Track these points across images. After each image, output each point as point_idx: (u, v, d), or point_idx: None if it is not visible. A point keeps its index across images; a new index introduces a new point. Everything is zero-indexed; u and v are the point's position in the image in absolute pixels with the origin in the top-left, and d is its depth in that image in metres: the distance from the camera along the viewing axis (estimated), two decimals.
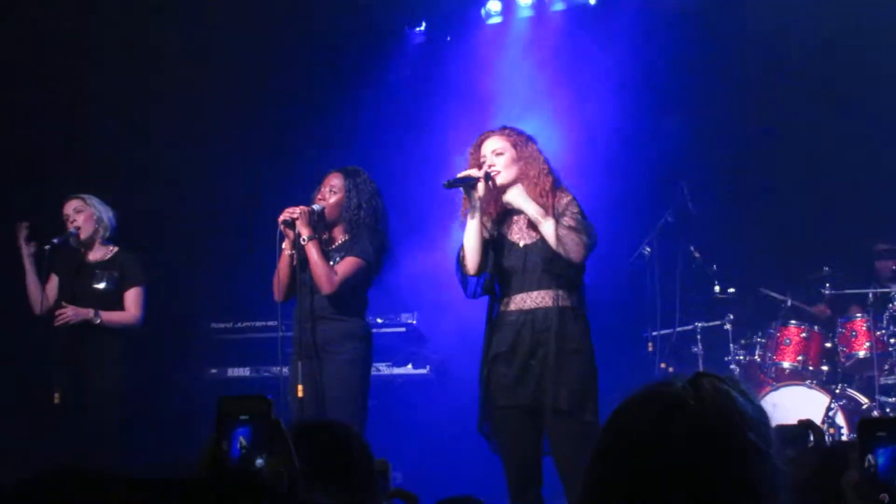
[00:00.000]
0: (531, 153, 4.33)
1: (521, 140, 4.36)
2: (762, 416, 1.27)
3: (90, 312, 5.44)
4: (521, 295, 4.26)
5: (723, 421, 1.21)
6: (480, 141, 4.39)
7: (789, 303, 6.74)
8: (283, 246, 4.87)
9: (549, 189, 4.30)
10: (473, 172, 4.28)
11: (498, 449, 4.29)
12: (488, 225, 4.40)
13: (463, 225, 4.36)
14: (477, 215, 4.29)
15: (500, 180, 4.31)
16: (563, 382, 4.10)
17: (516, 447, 4.19)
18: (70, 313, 5.41)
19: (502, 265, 4.34)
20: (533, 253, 4.27)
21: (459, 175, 4.30)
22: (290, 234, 4.83)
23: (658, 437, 1.19)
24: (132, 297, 5.58)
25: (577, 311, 4.25)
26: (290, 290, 4.96)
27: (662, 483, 1.17)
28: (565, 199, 4.30)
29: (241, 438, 1.30)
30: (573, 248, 4.16)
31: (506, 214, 4.41)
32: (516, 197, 4.29)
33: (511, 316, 4.27)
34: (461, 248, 4.37)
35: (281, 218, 4.81)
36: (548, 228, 4.20)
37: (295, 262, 4.84)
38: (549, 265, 4.23)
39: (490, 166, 4.28)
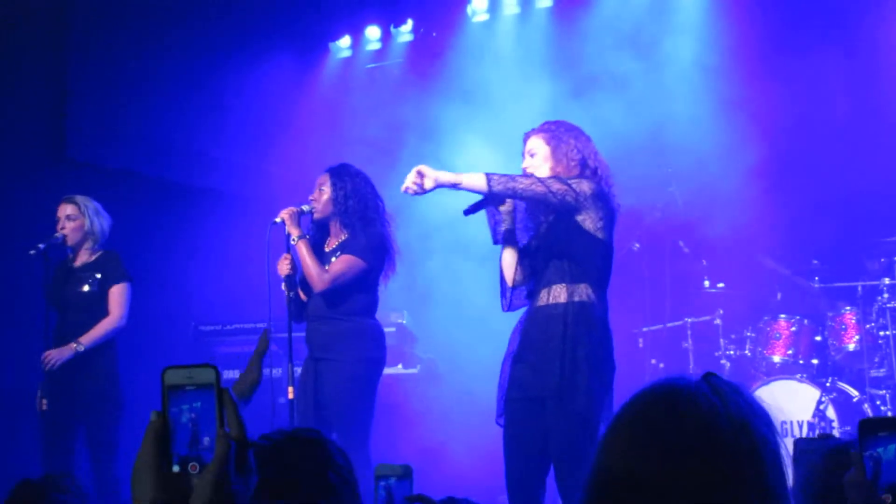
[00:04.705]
0: (565, 151, 4.23)
1: (555, 136, 4.26)
2: (767, 412, 1.26)
3: (72, 347, 5.27)
4: (538, 292, 4.19)
5: (739, 416, 1.20)
6: (525, 141, 4.34)
7: (779, 296, 6.73)
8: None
9: None
10: None
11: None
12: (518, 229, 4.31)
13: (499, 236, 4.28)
14: (507, 228, 4.25)
15: None
16: (561, 374, 4.01)
17: (518, 438, 4.10)
18: (55, 356, 5.26)
19: (529, 266, 4.29)
20: (542, 250, 4.22)
21: None
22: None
23: (672, 430, 1.18)
24: (114, 296, 5.42)
25: (586, 306, 4.09)
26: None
27: (672, 475, 1.16)
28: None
29: (187, 413, 1.20)
30: (533, 193, 4.03)
31: None
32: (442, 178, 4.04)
33: (529, 313, 4.23)
34: (500, 260, 4.33)
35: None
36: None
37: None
38: (555, 261, 4.15)
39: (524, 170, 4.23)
